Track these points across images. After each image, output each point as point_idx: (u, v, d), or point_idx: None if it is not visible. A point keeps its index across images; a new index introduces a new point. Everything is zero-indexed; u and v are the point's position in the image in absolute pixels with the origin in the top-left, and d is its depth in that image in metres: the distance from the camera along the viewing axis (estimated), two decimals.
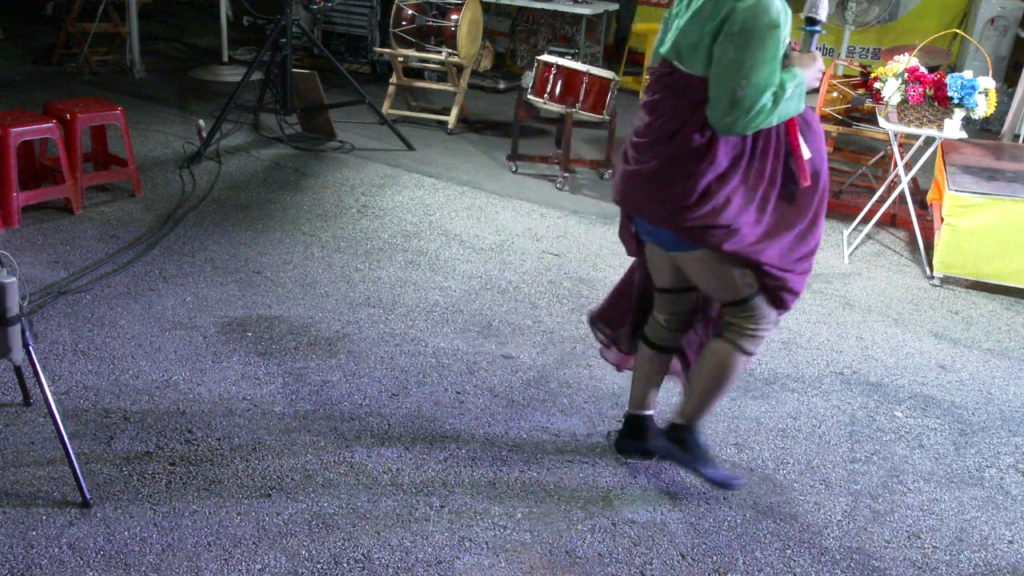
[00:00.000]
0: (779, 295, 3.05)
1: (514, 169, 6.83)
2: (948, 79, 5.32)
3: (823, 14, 3.04)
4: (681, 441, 3.32)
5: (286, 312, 4.43)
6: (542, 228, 5.78)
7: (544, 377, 4.05)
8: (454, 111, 7.76)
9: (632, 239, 3.32)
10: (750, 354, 3.15)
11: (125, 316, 4.26)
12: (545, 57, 6.61)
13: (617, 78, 6.64)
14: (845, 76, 7.09)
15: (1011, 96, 6.54)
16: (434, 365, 4.07)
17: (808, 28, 3.05)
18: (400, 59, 7.84)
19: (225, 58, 9.18)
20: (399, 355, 4.13)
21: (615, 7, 9.61)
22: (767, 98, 2.81)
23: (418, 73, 8.66)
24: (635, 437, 3.46)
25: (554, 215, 6.03)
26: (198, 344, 4.08)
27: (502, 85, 9.34)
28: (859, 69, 6.63)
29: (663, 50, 3.02)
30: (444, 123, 7.80)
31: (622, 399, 3.87)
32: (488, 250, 5.36)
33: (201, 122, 6.77)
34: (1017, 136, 6.38)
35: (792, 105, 2.90)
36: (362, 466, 3.34)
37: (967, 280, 5.38)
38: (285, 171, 6.45)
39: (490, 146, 7.42)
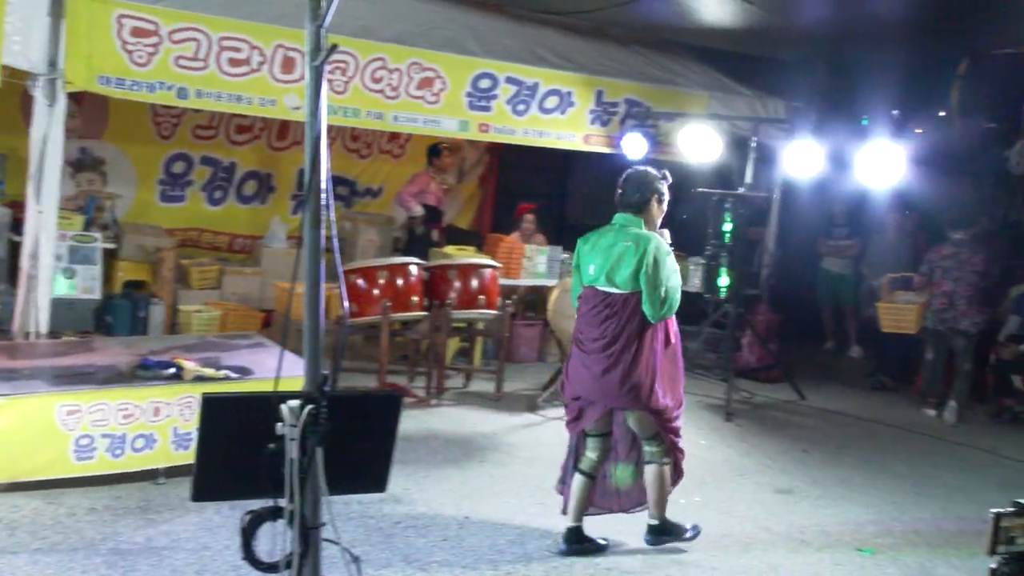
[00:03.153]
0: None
1: None
2: None
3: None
4: (665, 530, 5.23)
5: None
6: None
7: None
8: None
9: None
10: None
11: None
12: None
13: None
14: None
15: (16, 296, 6.61)
16: None
17: None
18: None
19: None
20: None
21: None
22: (677, 295, 4.91)
23: None
24: (577, 541, 5.13)
25: None
26: None
27: None
28: None
29: (596, 283, 4.94)
30: None
31: None
32: None
33: None
34: (28, 334, 6.47)
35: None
36: None
37: (6, 484, 5.24)
38: None
39: None
